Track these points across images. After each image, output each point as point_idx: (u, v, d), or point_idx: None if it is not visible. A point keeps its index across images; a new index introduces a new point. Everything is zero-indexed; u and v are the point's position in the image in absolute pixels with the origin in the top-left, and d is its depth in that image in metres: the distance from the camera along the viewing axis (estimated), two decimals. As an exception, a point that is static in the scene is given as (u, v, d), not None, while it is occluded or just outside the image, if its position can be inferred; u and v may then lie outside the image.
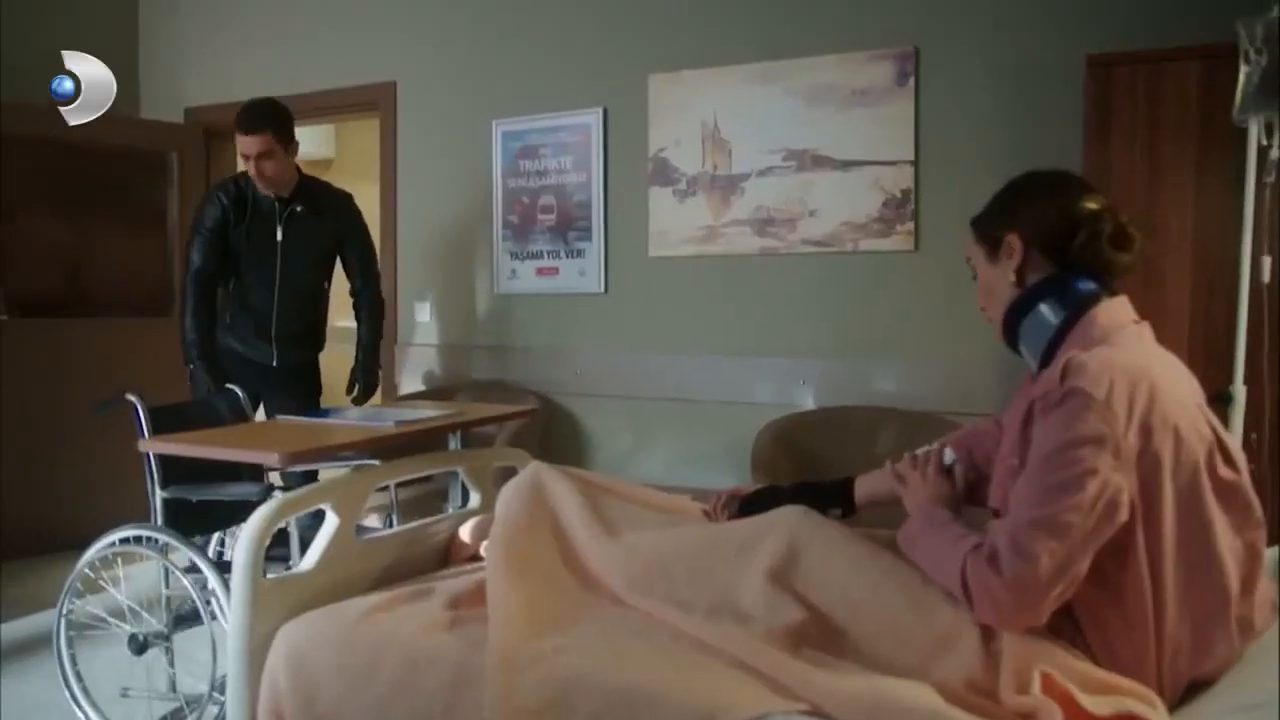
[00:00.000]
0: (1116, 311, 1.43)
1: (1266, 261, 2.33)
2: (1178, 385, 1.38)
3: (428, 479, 3.42)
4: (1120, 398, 1.28)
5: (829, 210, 3.48)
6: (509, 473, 2.46)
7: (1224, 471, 1.34)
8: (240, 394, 3.07)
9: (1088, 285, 1.44)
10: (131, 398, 2.69)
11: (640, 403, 3.86)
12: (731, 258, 3.66)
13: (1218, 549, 1.33)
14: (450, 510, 2.44)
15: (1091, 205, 1.46)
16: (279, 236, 3.33)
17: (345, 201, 3.50)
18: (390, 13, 4.36)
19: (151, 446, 2.42)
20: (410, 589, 1.84)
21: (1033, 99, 3.19)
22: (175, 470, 2.65)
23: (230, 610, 1.75)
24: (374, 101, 4.42)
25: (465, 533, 2.13)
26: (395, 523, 2.87)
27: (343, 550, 1.91)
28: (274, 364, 3.44)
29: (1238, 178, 2.36)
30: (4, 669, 3.06)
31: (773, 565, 1.54)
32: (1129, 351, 1.37)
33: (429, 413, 2.47)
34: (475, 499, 2.31)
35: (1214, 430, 1.37)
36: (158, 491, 2.65)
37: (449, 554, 2.16)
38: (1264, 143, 2.27)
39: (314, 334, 3.56)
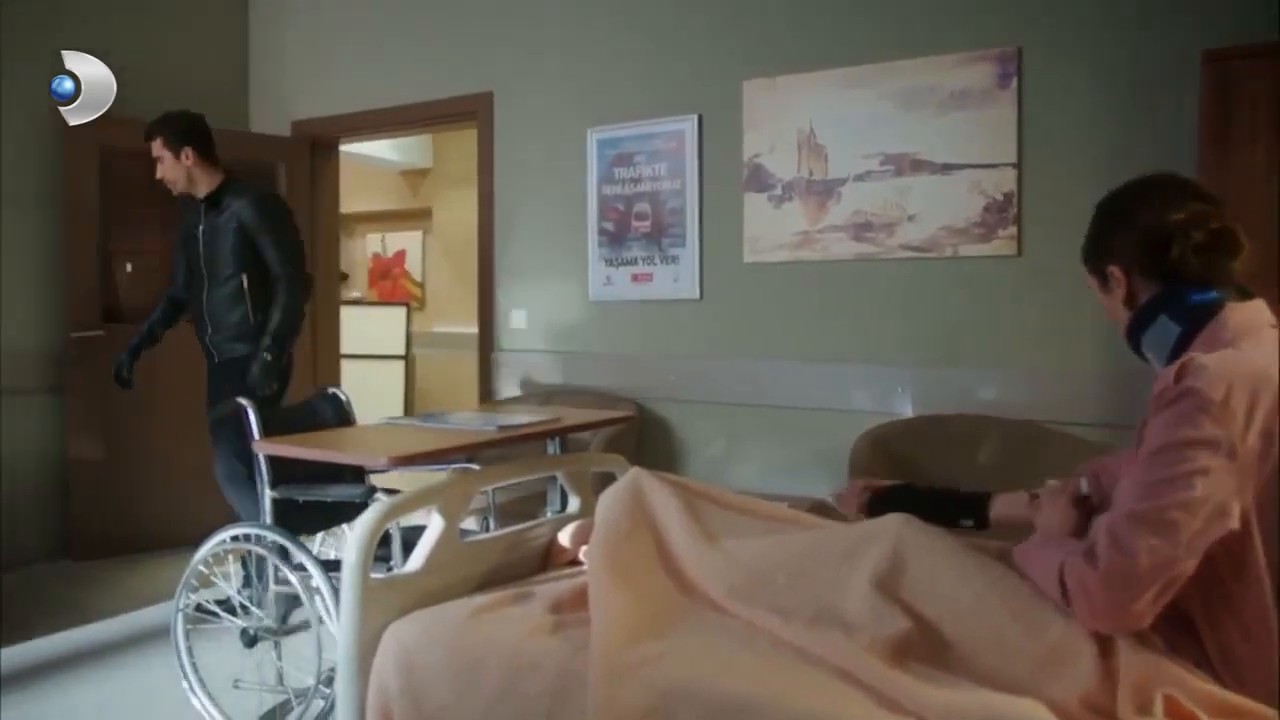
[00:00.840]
0: (1250, 314, 1.39)
1: None
2: None
3: (522, 483, 3.46)
4: (1240, 401, 1.24)
5: (928, 215, 3.42)
6: (606, 478, 2.48)
7: None
8: (343, 396, 3.16)
9: (1203, 296, 1.41)
10: (243, 402, 2.79)
11: (734, 409, 3.85)
12: (827, 263, 3.62)
13: None
14: (549, 514, 2.47)
15: (1177, 215, 1.43)
16: (199, 236, 3.53)
17: (255, 197, 3.55)
18: (487, 25, 4.44)
19: (264, 448, 2.50)
20: (512, 591, 1.86)
21: (1144, 97, 3.08)
22: (282, 471, 2.74)
23: (340, 609, 1.80)
24: (471, 111, 4.51)
25: (565, 537, 2.15)
26: (493, 526, 2.92)
27: (447, 552, 1.95)
28: (216, 360, 3.59)
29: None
30: (125, 659, 3.21)
31: (878, 572, 1.51)
32: (1258, 355, 1.32)
33: (530, 418, 2.50)
34: (574, 503, 2.33)
35: None
36: (267, 492, 2.74)
37: (548, 558, 2.18)
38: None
39: (243, 328, 3.53)
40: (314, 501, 2.79)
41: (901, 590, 1.49)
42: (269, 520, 2.73)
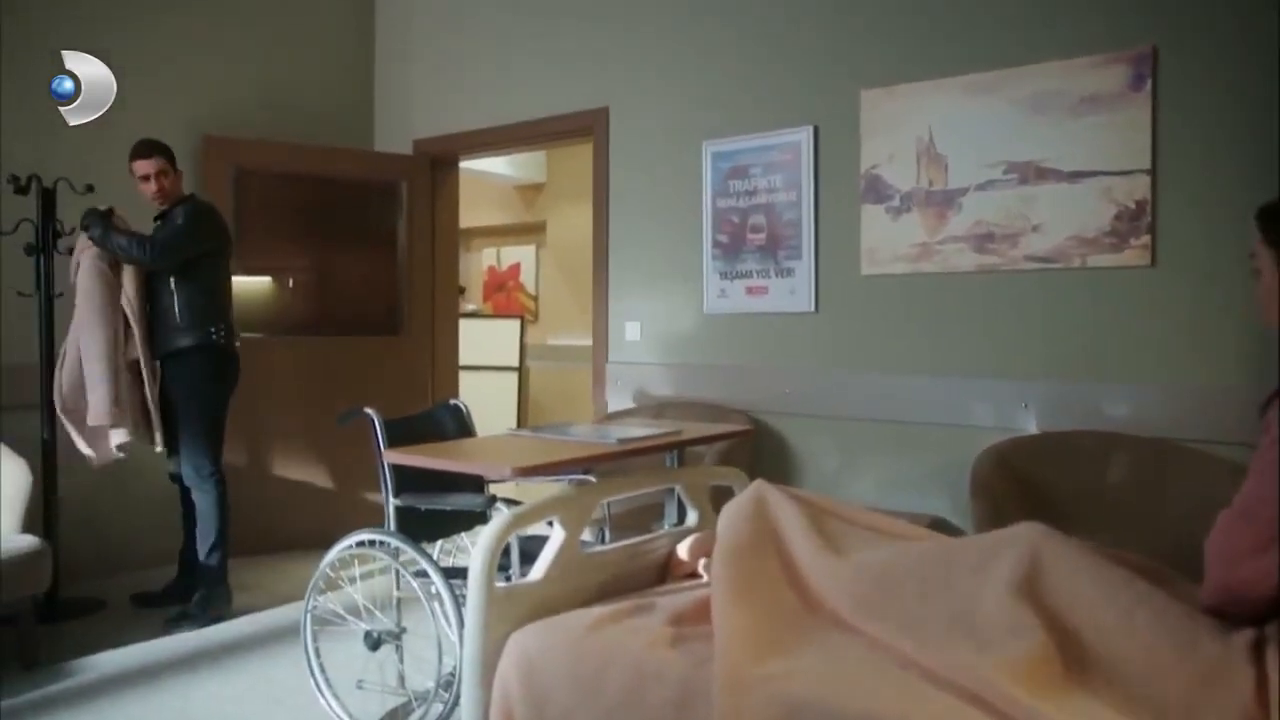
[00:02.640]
0: None
1: None
2: None
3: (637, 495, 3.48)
4: None
5: (1054, 224, 3.31)
6: (723, 491, 2.47)
7: None
8: (463, 407, 3.23)
9: None
10: (369, 411, 2.88)
11: (849, 423, 3.79)
12: (947, 275, 3.54)
13: None
14: (666, 526, 2.47)
15: None
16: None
17: (185, 204, 3.81)
18: (601, 40, 4.50)
19: (393, 457, 2.58)
20: (633, 603, 1.87)
21: (1290, 99, 2.92)
22: (404, 480, 2.82)
23: (466, 615, 1.84)
24: (587, 127, 4.57)
25: (684, 550, 2.15)
26: (607, 538, 2.94)
27: (568, 562, 1.97)
28: (162, 355, 3.79)
29: None
30: (258, 654, 3.35)
31: (1014, 579, 1.46)
32: None
33: (647, 431, 2.51)
34: (693, 516, 2.33)
35: None
36: (390, 499, 2.82)
37: (667, 570, 2.19)
38: None
39: (176, 325, 3.75)
40: (434, 510, 2.86)
41: (1041, 597, 1.43)
42: (393, 527, 2.81)
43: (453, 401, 3.30)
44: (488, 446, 2.62)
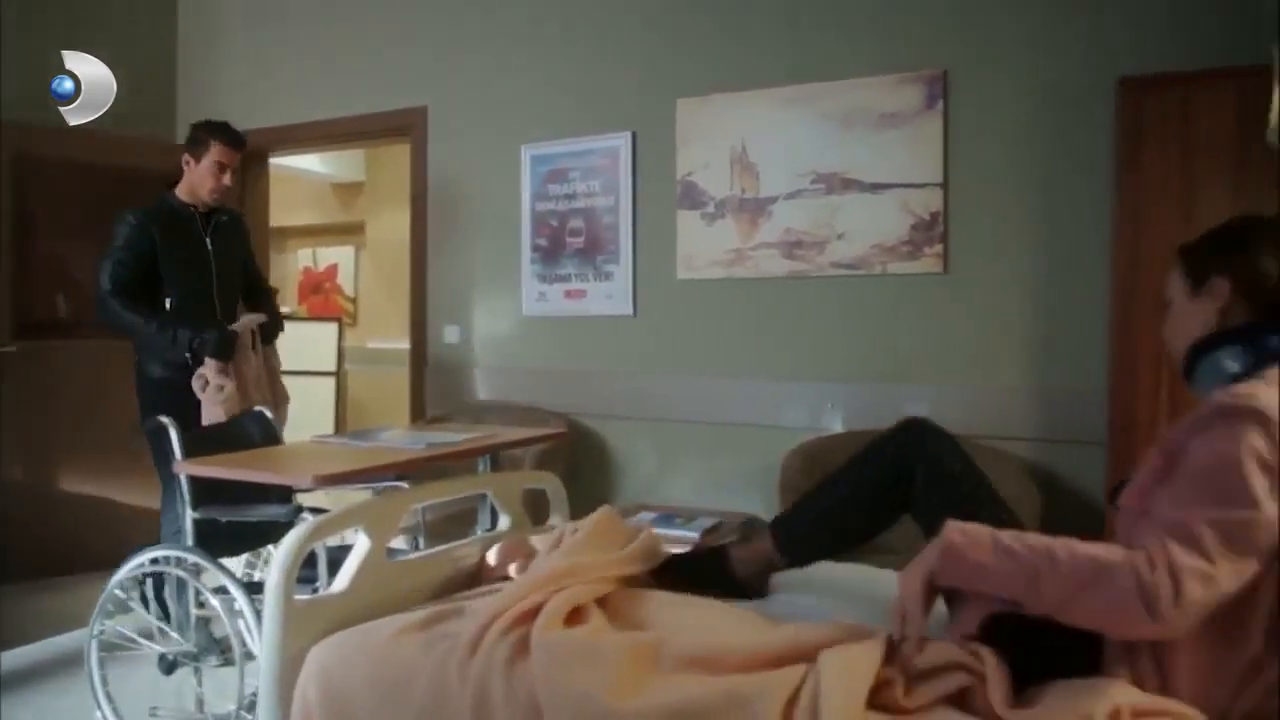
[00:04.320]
0: None
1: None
2: None
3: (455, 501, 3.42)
4: None
5: (857, 233, 3.48)
6: (536, 495, 2.47)
7: None
8: (269, 415, 3.09)
9: (1278, 340, 1.39)
10: (165, 420, 2.71)
11: (667, 425, 3.86)
12: (760, 280, 3.66)
13: None
14: (479, 532, 2.44)
15: None
16: (209, 246, 3.41)
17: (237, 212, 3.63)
18: (422, 39, 4.41)
19: (187, 468, 2.44)
20: (439, 609, 1.83)
21: (1063, 122, 3.18)
22: (204, 492, 2.67)
23: (263, 631, 1.75)
24: (405, 126, 4.47)
25: (493, 555, 2.13)
26: (422, 545, 2.88)
27: (374, 572, 1.91)
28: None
29: (1275, 199, 2.33)
30: (38, 686, 3.08)
31: None
32: None
33: (459, 436, 2.47)
34: (505, 521, 2.31)
35: None
36: (188, 513, 2.67)
37: (478, 576, 2.16)
38: (1301, 165, 2.26)
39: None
40: (242, 522, 2.72)
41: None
42: (190, 542, 2.65)
43: (258, 409, 3.15)
44: (291, 454, 2.52)
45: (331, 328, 7.33)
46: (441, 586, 2.06)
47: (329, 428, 6.76)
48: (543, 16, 4.11)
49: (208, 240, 3.41)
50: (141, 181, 4.68)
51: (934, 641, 1.44)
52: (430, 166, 4.41)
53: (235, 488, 2.50)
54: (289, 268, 7.86)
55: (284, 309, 7.36)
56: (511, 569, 2.07)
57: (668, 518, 3.45)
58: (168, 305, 3.32)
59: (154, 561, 2.61)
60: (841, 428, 3.50)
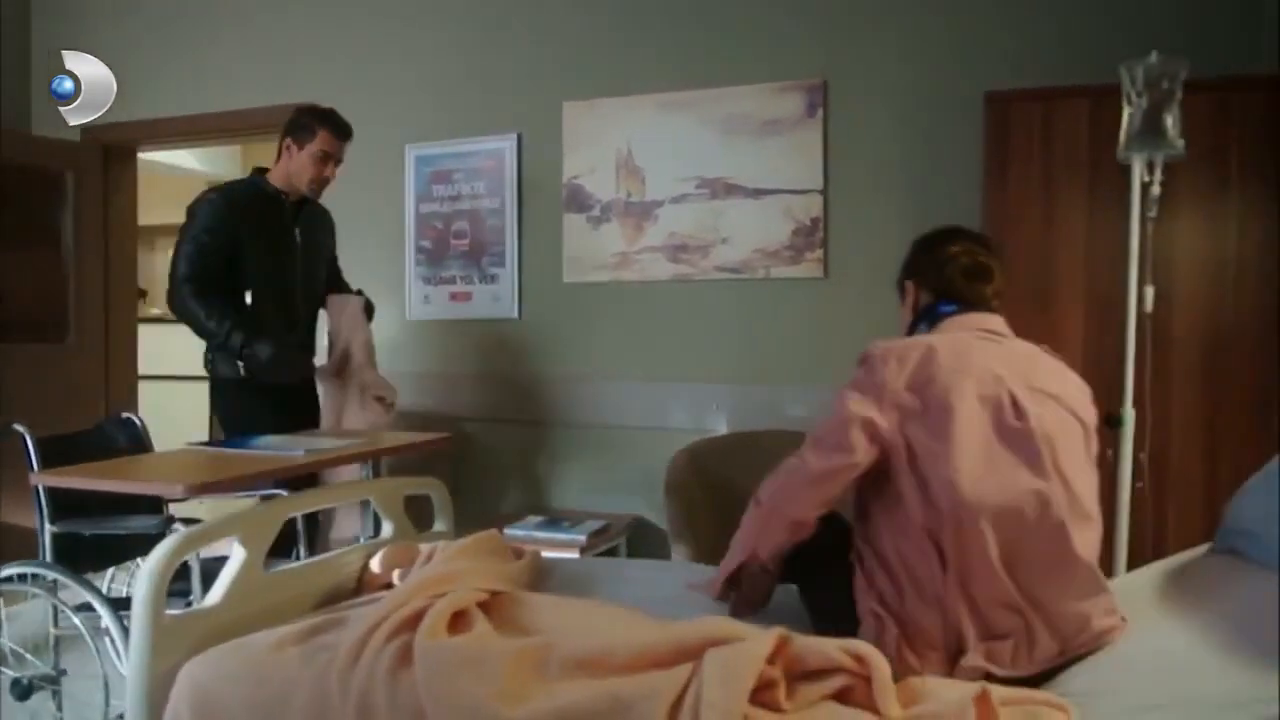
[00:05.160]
0: (963, 320, 1.81)
1: (1149, 292, 2.45)
2: (974, 359, 1.67)
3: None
4: (892, 361, 1.70)
5: (741, 237, 3.54)
6: (420, 500, 2.43)
7: (1011, 421, 1.63)
8: (138, 421, 2.96)
9: (948, 307, 1.85)
10: (18, 427, 2.57)
11: (554, 429, 3.85)
12: (645, 284, 3.69)
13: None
14: (362, 540, 2.39)
15: (953, 249, 1.89)
16: (297, 237, 3.21)
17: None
18: (301, 33, 4.29)
19: (41, 480, 2.31)
20: (320, 619, 1.79)
21: (935, 132, 3.31)
22: (67, 504, 2.54)
23: (129, 650, 1.68)
24: (283, 122, 4.32)
25: (376, 563, 2.09)
26: (303, 555, 2.80)
27: (250, 584, 1.86)
28: (300, 380, 3.20)
29: (1125, 212, 2.47)
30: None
31: None
32: (933, 339, 1.73)
33: (338, 442, 2.42)
34: (388, 528, 2.27)
35: (1011, 393, 1.64)
36: (46, 526, 2.53)
37: (361, 584, 2.11)
38: (1145, 180, 2.40)
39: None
40: (109, 535, 2.60)
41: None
42: (49, 557, 2.52)
43: (125, 415, 3.01)
44: (161, 463, 2.42)
45: (205, 331, 7.04)
46: (323, 597, 2.01)
47: (203, 435, 6.50)
48: (429, 16, 4.05)
49: (296, 230, 3.20)
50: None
51: (815, 639, 1.48)
52: (310, 165, 4.28)
53: (102, 499, 2.38)
54: (159, 269, 7.52)
55: (153, 311, 7.11)
56: (395, 576, 2.04)
57: (555, 522, 3.45)
58: (248, 298, 3.07)
59: (7, 579, 2.46)
60: (726, 429, 3.56)
